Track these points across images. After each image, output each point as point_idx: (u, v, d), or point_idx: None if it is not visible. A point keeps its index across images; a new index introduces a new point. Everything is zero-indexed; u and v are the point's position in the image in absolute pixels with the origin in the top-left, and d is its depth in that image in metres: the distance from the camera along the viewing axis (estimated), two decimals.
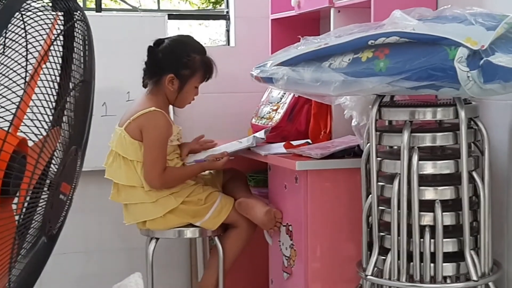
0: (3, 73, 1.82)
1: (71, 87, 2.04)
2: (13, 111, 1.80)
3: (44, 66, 1.93)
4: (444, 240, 2.18)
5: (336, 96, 2.49)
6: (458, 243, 2.21)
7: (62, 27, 2.01)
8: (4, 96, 1.78)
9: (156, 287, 2.99)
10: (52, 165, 2.00)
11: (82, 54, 2.10)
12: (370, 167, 2.26)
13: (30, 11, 1.90)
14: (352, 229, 2.60)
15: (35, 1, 1.92)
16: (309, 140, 2.97)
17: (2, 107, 1.78)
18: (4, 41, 1.86)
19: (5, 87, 1.80)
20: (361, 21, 2.39)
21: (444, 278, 2.21)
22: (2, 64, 1.83)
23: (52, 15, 1.98)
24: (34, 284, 2.07)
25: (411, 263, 2.20)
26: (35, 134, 1.87)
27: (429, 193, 2.20)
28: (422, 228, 2.19)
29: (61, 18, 2.03)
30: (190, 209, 2.85)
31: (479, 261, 2.20)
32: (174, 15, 3.79)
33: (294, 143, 2.87)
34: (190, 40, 2.95)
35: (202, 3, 5.37)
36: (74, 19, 2.05)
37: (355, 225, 2.51)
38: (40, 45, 1.92)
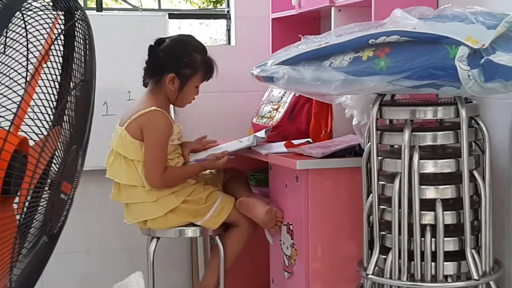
0: (4, 72, 1.82)
1: (72, 86, 2.04)
2: (14, 110, 1.81)
3: (45, 65, 1.93)
4: (445, 239, 2.18)
5: (336, 95, 2.49)
6: (459, 242, 2.21)
7: (63, 27, 2.02)
8: (5, 96, 1.78)
9: (157, 287, 2.99)
10: (53, 165, 2.00)
11: (83, 54, 2.10)
12: (371, 166, 2.27)
13: (31, 10, 1.90)
14: (353, 228, 2.60)
15: (36, 1, 1.92)
16: (310, 139, 2.97)
17: (3, 106, 1.78)
18: (5, 41, 1.86)
19: (6, 86, 1.80)
20: (361, 20, 2.39)
21: (445, 277, 2.21)
22: (3, 63, 1.83)
23: (53, 14, 1.98)
24: (35, 283, 2.07)
25: (412, 262, 2.20)
26: (36, 134, 1.88)
27: (430, 192, 2.20)
28: (423, 227, 2.19)
29: (62, 17, 2.03)
30: (191, 208, 2.85)
31: (480, 260, 2.20)
32: (175, 15, 3.79)
33: (295, 142, 2.87)
34: (191, 39, 2.95)
35: (203, 3, 5.37)
36: (75, 18, 2.05)
37: (356, 224, 2.51)
38: (41, 44, 1.92)
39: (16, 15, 1.83)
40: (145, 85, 2.93)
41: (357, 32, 2.20)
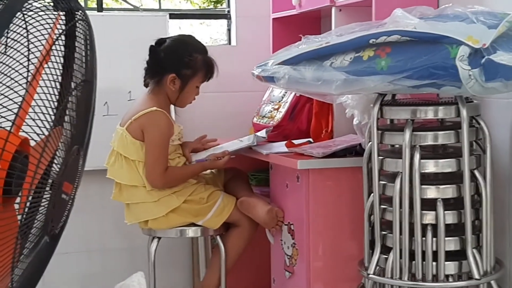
0: (5, 73, 1.82)
1: (73, 86, 2.05)
2: (15, 110, 1.81)
3: (46, 65, 1.93)
4: (446, 238, 2.18)
5: (337, 95, 2.49)
6: (460, 242, 2.21)
7: (63, 27, 2.02)
8: (6, 96, 1.79)
9: (158, 287, 2.99)
10: (54, 165, 2.00)
11: (83, 54, 2.10)
12: (372, 166, 2.26)
13: (31, 11, 1.90)
14: (354, 228, 2.60)
15: (36, 1, 1.92)
16: (310, 139, 2.97)
17: (4, 107, 1.78)
18: (6, 41, 1.86)
19: (7, 86, 1.80)
20: (362, 19, 2.39)
21: (446, 276, 2.21)
22: (4, 64, 1.83)
23: (54, 14, 1.98)
24: (37, 284, 2.07)
25: (413, 262, 2.20)
26: (37, 134, 1.88)
27: (431, 192, 2.20)
28: (424, 227, 2.19)
29: (63, 17, 2.03)
30: (192, 208, 2.86)
31: (481, 260, 2.20)
32: (175, 15, 3.79)
33: (296, 142, 2.87)
34: (192, 40, 2.96)
35: (203, 3, 5.37)
36: (76, 18, 2.05)
37: (357, 224, 2.51)
38: (42, 44, 1.92)
39: (17, 15, 1.83)
40: (145, 85, 2.94)
41: (357, 32, 2.20)
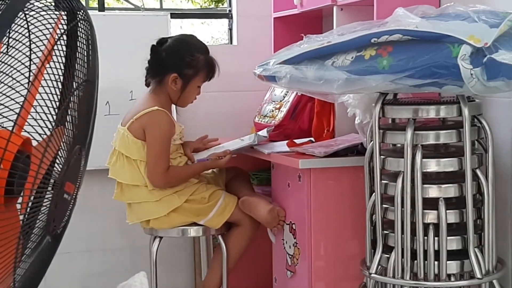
0: (7, 72, 1.82)
1: (74, 86, 2.04)
2: (17, 110, 1.81)
3: (47, 65, 1.93)
4: (448, 238, 2.18)
5: (339, 94, 2.49)
6: (462, 241, 2.21)
7: (65, 27, 2.01)
8: (8, 96, 1.78)
9: (160, 286, 2.99)
10: (56, 165, 2.00)
11: (85, 54, 2.10)
12: (374, 165, 2.26)
13: (33, 10, 1.90)
14: (356, 227, 2.60)
15: (38, 1, 1.92)
16: (312, 139, 2.97)
17: (6, 106, 1.78)
18: (8, 41, 1.86)
19: (9, 86, 1.80)
20: (364, 19, 2.40)
21: (448, 276, 2.21)
22: (6, 63, 1.83)
23: (56, 14, 1.98)
24: (39, 283, 2.07)
25: (415, 261, 2.20)
26: (39, 134, 1.87)
27: (433, 191, 2.20)
28: (426, 226, 2.19)
29: (65, 17, 2.03)
30: (194, 208, 2.86)
31: (483, 259, 2.20)
32: (177, 14, 3.79)
33: (297, 141, 2.88)
34: (193, 39, 2.96)
35: (205, 2, 5.37)
36: (78, 18, 2.05)
37: (359, 223, 2.51)
38: (44, 44, 1.92)
39: (19, 15, 1.83)
40: (147, 84, 2.94)
41: (359, 31, 2.20)
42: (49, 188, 1.96)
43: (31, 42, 1.89)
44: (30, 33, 1.90)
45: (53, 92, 1.93)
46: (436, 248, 2.19)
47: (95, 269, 3.59)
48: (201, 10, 4.99)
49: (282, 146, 2.87)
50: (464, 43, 1.97)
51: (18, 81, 1.82)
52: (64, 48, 2.02)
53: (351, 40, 2.17)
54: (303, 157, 2.64)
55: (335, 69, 2.18)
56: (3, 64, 1.83)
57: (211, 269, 3.02)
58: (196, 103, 2.99)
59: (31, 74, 1.90)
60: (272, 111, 3.23)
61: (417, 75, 2.03)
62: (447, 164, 2.21)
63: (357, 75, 2.13)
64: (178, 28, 3.94)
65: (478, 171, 2.22)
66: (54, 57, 1.96)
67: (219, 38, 4.19)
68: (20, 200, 1.88)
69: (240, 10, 3.76)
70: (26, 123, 1.87)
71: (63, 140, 2.01)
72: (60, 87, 1.98)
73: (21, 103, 1.81)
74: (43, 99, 1.89)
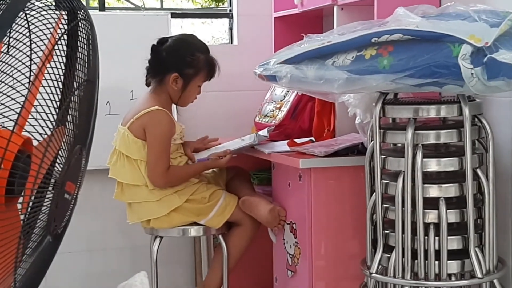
0: (8, 72, 1.82)
1: (75, 86, 2.04)
2: (18, 110, 1.81)
3: (48, 65, 1.93)
4: (449, 237, 2.18)
5: (339, 93, 2.49)
6: (462, 241, 2.21)
7: (66, 26, 2.01)
8: (9, 96, 1.78)
9: (160, 286, 2.99)
10: (56, 164, 2.00)
11: (86, 53, 2.10)
12: (374, 165, 2.26)
13: (34, 10, 1.90)
14: (356, 226, 2.60)
15: (39, 1, 1.92)
16: (312, 138, 2.97)
17: (7, 106, 1.78)
18: (9, 41, 1.86)
19: (10, 86, 1.80)
20: (364, 18, 2.40)
21: (449, 275, 2.21)
22: (6, 63, 1.83)
23: (56, 14, 1.98)
24: (40, 283, 2.07)
25: (416, 261, 2.20)
26: (40, 134, 1.87)
27: (433, 191, 2.21)
28: (426, 226, 2.19)
29: (65, 17, 2.03)
30: (194, 208, 2.86)
31: (483, 259, 2.20)
32: (177, 14, 3.79)
33: (298, 141, 2.88)
34: (194, 39, 2.96)
35: (205, 2, 5.37)
36: (78, 18, 2.05)
37: (359, 223, 2.51)
38: (44, 44, 1.92)
39: (19, 15, 1.83)
40: (147, 84, 2.94)
41: (359, 31, 2.20)
42: (50, 188, 1.96)
43: (32, 42, 1.89)
44: (31, 32, 1.90)
45: (54, 91, 1.93)
46: (436, 247, 2.19)
47: (95, 268, 3.60)
48: (202, 10, 4.98)
49: (282, 145, 2.87)
50: (465, 42, 1.97)
51: (18, 81, 1.82)
52: (65, 48, 2.02)
53: (351, 40, 2.17)
54: (303, 156, 2.65)
55: (335, 68, 2.18)
56: (4, 63, 1.83)
57: (211, 269, 3.03)
58: (196, 102, 2.99)
59: (32, 73, 1.90)
60: (273, 110, 3.23)
61: (417, 75, 2.03)
62: (448, 164, 2.21)
63: (357, 75, 2.13)
64: (178, 27, 3.94)
65: (478, 171, 2.22)
66: (55, 57, 1.96)
67: (220, 37, 4.18)
68: (20, 200, 1.88)
69: (241, 10, 3.76)
70: (27, 123, 1.87)
71: (64, 140, 2.01)
72: (61, 86, 1.98)
73: (21, 103, 1.81)
74: (44, 99, 1.89)
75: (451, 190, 2.21)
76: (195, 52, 2.87)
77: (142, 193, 2.84)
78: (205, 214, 2.87)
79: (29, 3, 1.86)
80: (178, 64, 2.85)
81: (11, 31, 1.83)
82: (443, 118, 2.30)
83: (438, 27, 2.04)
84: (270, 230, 2.90)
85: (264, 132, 3.00)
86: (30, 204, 1.91)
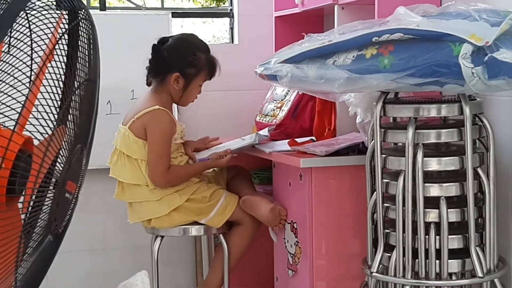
0: (9, 72, 1.82)
1: (76, 85, 2.05)
2: (19, 110, 1.81)
3: (49, 65, 1.93)
4: (449, 236, 2.18)
5: (340, 93, 2.49)
6: (463, 240, 2.21)
7: (67, 26, 2.02)
8: (10, 95, 1.79)
9: (161, 285, 3.00)
10: (57, 164, 2.00)
11: (87, 53, 2.11)
12: (375, 164, 2.27)
13: (35, 10, 1.90)
14: (357, 226, 2.60)
15: (39, 0, 1.92)
16: (313, 138, 2.97)
17: (8, 106, 1.78)
18: (10, 40, 1.86)
19: (11, 86, 1.80)
20: (365, 18, 2.39)
21: (450, 274, 2.21)
22: (7, 63, 1.83)
23: (57, 13, 1.99)
24: (40, 283, 2.07)
25: (417, 260, 2.20)
26: (41, 133, 1.88)
27: (434, 190, 2.21)
28: (427, 225, 2.19)
29: (66, 17, 2.03)
30: (195, 207, 2.86)
31: (484, 258, 2.20)
32: (178, 13, 3.79)
33: (299, 140, 2.88)
34: (194, 38, 2.96)
35: (206, 1, 5.36)
36: (79, 17, 2.06)
37: (360, 222, 2.51)
38: (45, 44, 1.92)
39: (20, 14, 1.84)
40: (148, 84, 2.94)
41: (360, 30, 2.20)
42: (51, 187, 1.96)
43: (33, 41, 1.90)
44: (32, 32, 1.90)
45: (55, 91, 1.93)
46: (437, 247, 2.19)
47: (96, 268, 3.60)
48: (202, 9, 4.98)
49: (283, 145, 2.87)
50: (465, 42, 1.97)
51: (19, 80, 1.82)
52: (66, 48, 2.02)
53: (352, 39, 2.17)
54: (304, 156, 2.65)
55: (336, 68, 2.18)
56: (4, 63, 1.83)
57: (212, 268, 3.03)
58: (197, 102, 2.99)
59: (33, 73, 1.90)
60: (273, 110, 3.23)
61: (418, 74, 2.03)
62: (448, 163, 2.21)
63: (358, 74, 2.13)
64: (179, 27, 3.94)
65: (479, 170, 2.22)
66: (56, 56, 1.96)
67: (220, 37, 4.18)
68: (21, 199, 1.89)
69: (241, 9, 3.76)
70: (28, 122, 1.87)
71: (65, 139, 2.01)
72: (62, 86, 1.99)
73: (22, 102, 1.82)
74: (45, 98, 1.89)
75: (451, 189, 2.21)
76: (196, 52, 2.87)
77: (142, 193, 2.84)
78: (205, 213, 2.87)
79: (30, 3, 1.87)
80: (180, 63, 2.85)
81: (12, 30, 1.84)
82: (444, 117, 2.30)
83: (439, 27, 2.04)
84: (271, 229, 2.90)
85: (264, 132, 3.00)
86: (31, 203, 1.92)
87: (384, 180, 2.27)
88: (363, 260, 2.40)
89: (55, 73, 1.95)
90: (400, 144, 2.30)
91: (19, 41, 1.87)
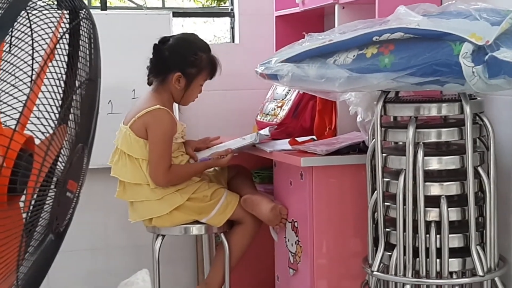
0: (10, 71, 1.82)
1: (77, 85, 2.05)
2: (20, 109, 1.81)
3: (50, 64, 1.94)
4: (450, 235, 2.18)
5: (341, 92, 2.49)
6: (464, 239, 2.21)
7: (68, 25, 2.02)
8: (11, 95, 1.79)
9: (162, 284, 3.00)
10: (58, 163, 2.01)
11: (88, 52, 2.11)
12: (376, 163, 2.27)
13: (36, 9, 1.91)
14: (358, 225, 2.60)
15: (40, 0, 1.93)
16: (314, 137, 2.97)
17: (9, 105, 1.78)
18: (11, 40, 1.87)
19: (12, 85, 1.81)
20: (365, 17, 2.40)
21: (450, 273, 2.21)
22: (9, 62, 1.83)
23: (58, 13, 1.99)
24: (42, 281, 2.08)
25: (417, 259, 2.21)
26: (42, 132, 1.88)
27: (435, 189, 2.21)
28: (427, 224, 2.19)
29: (67, 16, 2.04)
30: (196, 206, 2.86)
31: (485, 257, 2.21)
32: (179, 13, 3.80)
33: (299, 139, 2.88)
34: (195, 38, 2.96)
35: (207, 1, 5.37)
36: (80, 17, 2.06)
37: (361, 221, 2.52)
38: (46, 43, 1.93)
39: (21, 14, 1.84)
40: (149, 83, 2.94)
41: (361, 29, 2.20)
42: (52, 186, 1.97)
43: (34, 41, 1.90)
44: (33, 31, 1.90)
45: (56, 90, 1.94)
46: (438, 245, 2.19)
47: (97, 267, 3.60)
48: (203, 9, 4.98)
49: (284, 144, 2.87)
50: (466, 41, 1.97)
51: (20, 80, 1.83)
52: (67, 47, 2.02)
53: (353, 38, 2.17)
54: (305, 155, 2.65)
55: (337, 67, 2.18)
56: (6, 62, 1.84)
57: (213, 267, 3.03)
58: (198, 101, 2.99)
59: (34, 72, 1.91)
60: (274, 109, 3.23)
61: (418, 73, 2.04)
62: (449, 162, 2.21)
63: (358, 73, 2.13)
64: (180, 26, 3.94)
65: (480, 169, 2.22)
66: (57, 56, 1.97)
67: (221, 36, 4.19)
68: (23, 198, 1.89)
69: (242, 9, 3.76)
70: (29, 122, 1.87)
71: (66, 139, 2.01)
72: (63, 85, 1.99)
73: (24, 102, 1.82)
74: (46, 98, 1.90)
75: (452, 188, 2.21)
76: (198, 51, 2.88)
77: (144, 192, 2.84)
78: (206, 212, 2.87)
79: (31, 2, 1.87)
80: (181, 63, 2.85)
81: (13, 30, 1.84)
82: (444, 116, 2.30)
83: (439, 26, 2.04)
84: (272, 228, 2.91)
85: (265, 131, 3.00)
86: (32, 202, 1.92)
87: (384, 179, 2.28)
88: (364, 259, 2.41)
89: (56, 73, 1.95)
90: (400, 143, 2.30)
91: (20, 41, 1.87)
